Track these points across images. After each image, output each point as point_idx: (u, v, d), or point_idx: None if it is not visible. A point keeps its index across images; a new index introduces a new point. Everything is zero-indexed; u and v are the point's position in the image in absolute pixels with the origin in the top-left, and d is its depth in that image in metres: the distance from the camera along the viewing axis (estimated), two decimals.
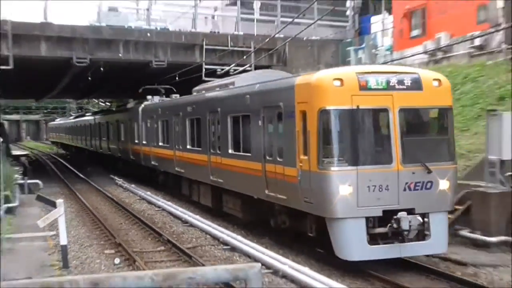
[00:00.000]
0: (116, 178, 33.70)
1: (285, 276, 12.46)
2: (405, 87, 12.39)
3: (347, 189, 11.69)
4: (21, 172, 27.11)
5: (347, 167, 11.95)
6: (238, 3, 33.82)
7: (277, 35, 27.14)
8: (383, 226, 11.96)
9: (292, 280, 12.18)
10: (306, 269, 12.42)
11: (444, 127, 13.35)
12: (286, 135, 13.79)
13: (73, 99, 72.45)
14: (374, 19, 34.24)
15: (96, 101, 68.49)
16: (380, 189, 11.87)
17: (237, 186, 17.35)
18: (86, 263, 14.50)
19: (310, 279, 11.76)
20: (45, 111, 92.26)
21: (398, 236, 11.98)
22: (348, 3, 34.02)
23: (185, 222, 19.47)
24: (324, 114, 12.10)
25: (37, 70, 31.42)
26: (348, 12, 34.80)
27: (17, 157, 39.38)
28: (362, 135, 12.57)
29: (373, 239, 11.96)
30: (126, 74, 33.33)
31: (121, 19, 31.81)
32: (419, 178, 12.14)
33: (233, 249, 15.34)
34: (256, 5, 33.06)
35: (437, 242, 12.41)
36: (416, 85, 12.54)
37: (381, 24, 32.63)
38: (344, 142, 12.42)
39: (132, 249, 15.69)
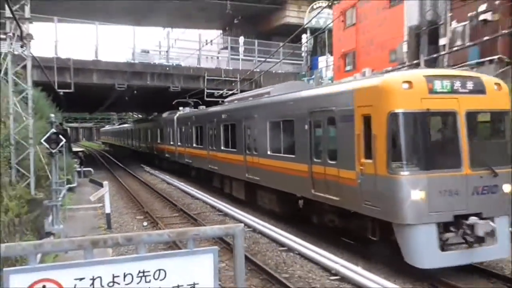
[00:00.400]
0: (145, 167, 33.42)
1: (260, 232, 12.46)
2: (469, 90, 9.13)
3: (418, 194, 8.38)
4: (79, 162, 26.84)
5: (419, 171, 8.55)
6: (229, 47, 33.95)
7: (255, 70, 27.15)
8: (451, 232, 8.56)
9: (265, 235, 12.18)
10: (272, 227, 12.43)
11: (504, 130, 9.71)
12: (341, 138, 10.19)
13: (115, 112, 71.95)
14: (321, 58, 34.29)
15: (131, 113, 67.89)
16: (450, 194, 8.57)
17: (276, 184, 13.59)
18: (123, 226, 14.41)
19: (275, 234, 11.78)
20: (96, 120, 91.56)
21: (466, 241, 8.54)
22: (303, 48, 34.03)
23: (192, 196, 19.37)
24: (393, 117, 8.63)
25: (90, 92, 31.08)
26: (303, 54, 34.85)
27: (76, 152, 38.84)
28: (432, 139, 9.48)
29: (443, 245, 8.56)
30: (152, 95, 33.15)
31: (149, 58, 31.69)
32: (486, 182, 8.84)
33: (225, 214, 15.32)
34: (241, 49, 33.05)
35: (503, 246, 8.90)
36: (480, 88, 9.24)
37: (325, 62, 32.70)
38: (414, 146, 8.89)
39: (155, 215, 15.62)
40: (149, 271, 3.20)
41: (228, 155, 17.92)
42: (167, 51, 31.87)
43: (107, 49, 48.78)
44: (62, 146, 11.76)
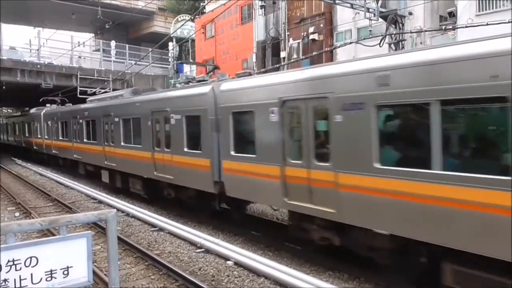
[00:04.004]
0: (16, 159, 29.47)
1: (133, 216, 11.88)
2: None
3: None
4: None
5: None
6: (101, 50, 31.67)
7: (126, 71, 25.77)
8: None
9: (137, 218, 11.66)
10: (144, 210, 11.97)
11: None
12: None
13: None
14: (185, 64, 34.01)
15: (1, 109, 59.18)
16: None
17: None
18: None
19: (147, 216, 11.35)
20: None
21: None
22: (169, 54, 33.31)
23: (67, 186, 17.65)
24: None
25: None
26: (170, 59, 34.14)
27: None
28: None
29: None
30: (23, 91, 29.26)
31: (19, 55, 28.13)
32: None
33: (100, 202, 14.25)
34: (113, 52, 31.06)
35: None
36: None
37: (189, 67, 32.50)
38: None
39: (28, 205, 13.83)
40: (19, 259, 2.83)
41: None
42: (37, 50, 28.47)
43: None
44: None
